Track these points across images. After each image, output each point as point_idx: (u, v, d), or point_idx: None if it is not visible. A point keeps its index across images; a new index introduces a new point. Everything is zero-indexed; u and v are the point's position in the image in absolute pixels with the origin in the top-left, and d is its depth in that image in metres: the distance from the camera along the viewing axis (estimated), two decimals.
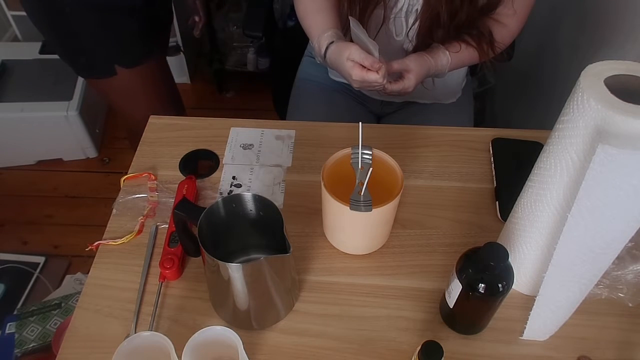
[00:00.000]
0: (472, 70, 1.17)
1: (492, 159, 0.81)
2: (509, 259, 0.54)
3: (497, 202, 0.75)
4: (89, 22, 1.04)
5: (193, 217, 0.58)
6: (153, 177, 0.79)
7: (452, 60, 0.91)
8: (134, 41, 1.12)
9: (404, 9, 0.90)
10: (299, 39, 1.10)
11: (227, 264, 0.54)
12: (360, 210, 0.60)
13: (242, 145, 0.84)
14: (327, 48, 0.84)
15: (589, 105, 0.46)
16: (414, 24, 0.91)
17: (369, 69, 0.77)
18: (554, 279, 0.54)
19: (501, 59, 0.98)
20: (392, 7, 0.90)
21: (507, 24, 0.90)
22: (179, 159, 0.82)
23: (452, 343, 0.61)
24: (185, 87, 2.22)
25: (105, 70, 1.12)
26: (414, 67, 0.86)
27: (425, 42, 0.91)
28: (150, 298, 0.65)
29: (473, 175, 0.80)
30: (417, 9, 0.89)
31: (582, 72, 0.48)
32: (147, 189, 0.78)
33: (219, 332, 0.51)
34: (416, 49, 0.93)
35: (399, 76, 0.87)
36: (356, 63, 0.78)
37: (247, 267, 0.55)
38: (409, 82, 0.85)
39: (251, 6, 1.52)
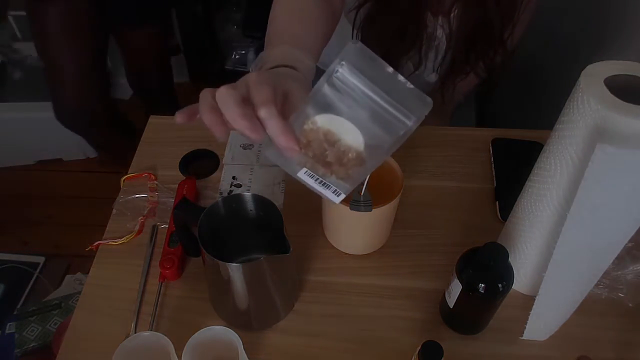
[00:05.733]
0: None
1: (492, 159, 0.81)
2: (509, 259, 0.54)
3: (497, 202, 0.75)
4: None
5: (193, 217, 0.58)
6: (153, 177, 0.79)
7: (463, 90, 0.99)
8: None
9: (424, 48, 0.89)
10: None
11: (227, 264, 0.54)
12: (360, 210, 0.60)
13: (242, 145, 0.84)
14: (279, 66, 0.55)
15: (589, 105, 0.46)
16: (443, 60, 0.91)
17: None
18: (553, 279, 0.54)
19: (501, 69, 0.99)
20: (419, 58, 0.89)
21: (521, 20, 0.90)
22: (179, 159, 0.82)
23: (452, 343, 0.61)
24: (185, 87, 2.21)
25: None
26: None
27: (457, 70, 0.91)
28: (150, 298, 0.65)
29: (473, 175, 0.80)
30: (437, 45, 0.89)
31: (582, 72, 0.48)
32: (147, 189, 0.77)
33: (219, 332, 0.51)
34: (445, 78, 0.94)
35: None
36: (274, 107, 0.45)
37: (247, 267, 0.55)
38: (426, 120, 0.94)
39: (251, 6, 1.52)
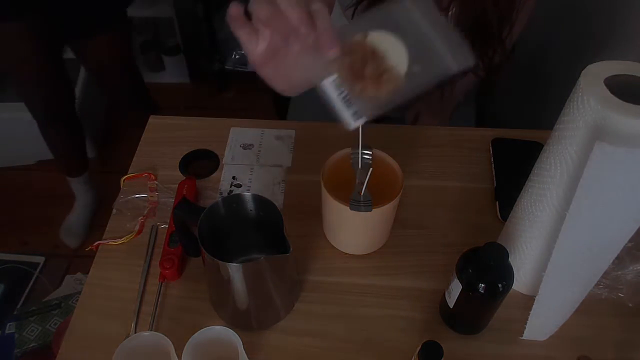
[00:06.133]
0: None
1: (492, 159, 0.81)
2: (509, 259, 0.54)
3: (497, 202, 0.75)
4: None
5: (193, 217, 0.58)
6: (153, 177, 0.79)
7: (462, 89, 1.00)
8: None
9: None
10: None
11: (227, 264, 0.54)
12: (360, 210, 0.60)
13: (242, 145, 0.84)
14: None
15: (588, 105, 0.46)
16: None
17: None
18: (553, 279, 0.54)
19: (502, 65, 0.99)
20: None
21: (519, 19, 0.89)
22: (179, 159, 0.82)
23: (452, 343, 0.61)
24: (185, 87, 2.22)
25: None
26: (423, 108, 1.01)
27: None
28: (150, 298, 0.65)
29: (473, 175, 0.80)
30: None
31: (582, 72, 0.48)
32: (147, 189, 0.78)
33: (219, 332, 0.51)
34: None
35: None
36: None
37: (247, 267, 0.55)
38: (424, 122, 1.02)
39: None
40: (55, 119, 1.47)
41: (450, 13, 0.83)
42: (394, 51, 0.42)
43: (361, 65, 0.42)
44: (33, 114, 1.43)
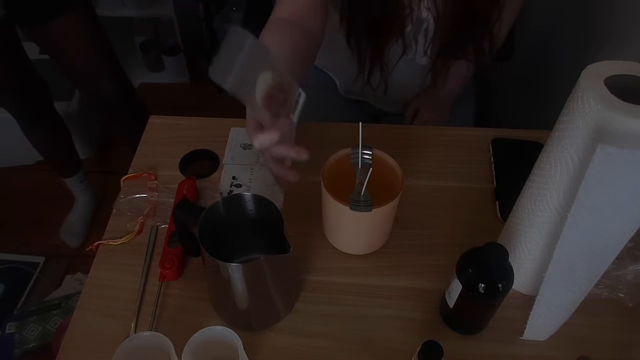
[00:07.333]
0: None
1: (492, 159, 0.81)
2: (509, 259, 0.54)
3: (497, 202, 0.75)
4: None
5: (193, 217, 0.58)
6: (153, 177, 0.79)
7: (457, 81, 0.99)
8: None
9: (412, 32, 0.88)
10: None
11: (227, 264, 0.54)
12: (360, 210, 0.60)
13: (242, 145, 0.84)
14: None
15: (589, 106, 0.46)
16: (431, 43, 0.90)
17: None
18: (554, 279, 0.54)
19: (501, 58, 0.99)
20: (407, 42, 0.88)
21: (509, 3, 0.88)
22: (179, 159, 0.82)
23: (452, 343, 0.61)
24: (185, 87, 2.22)
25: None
26: (422, 103, 1.02)
27: (448, 53, 0.91)
28: (150, 298, 0.65)
29: (473, 175, 0.80)
30: (426, 28, 0.88)
31: (582, 72, 0.48)
32: (147, 189, 0.77)
33: (219, 332, 0.51)
34: (437, 61, 0.93)
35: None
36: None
37: (247, 267, 0.55)
38: (424, 117, 1.01)
39: (251, 6, 1.52)
40: (35, 120, 1.40)
41: None
42: (270, 67, 0.55)
43: (275, 100, 0.57)
44: (12, 115, 1.37)
